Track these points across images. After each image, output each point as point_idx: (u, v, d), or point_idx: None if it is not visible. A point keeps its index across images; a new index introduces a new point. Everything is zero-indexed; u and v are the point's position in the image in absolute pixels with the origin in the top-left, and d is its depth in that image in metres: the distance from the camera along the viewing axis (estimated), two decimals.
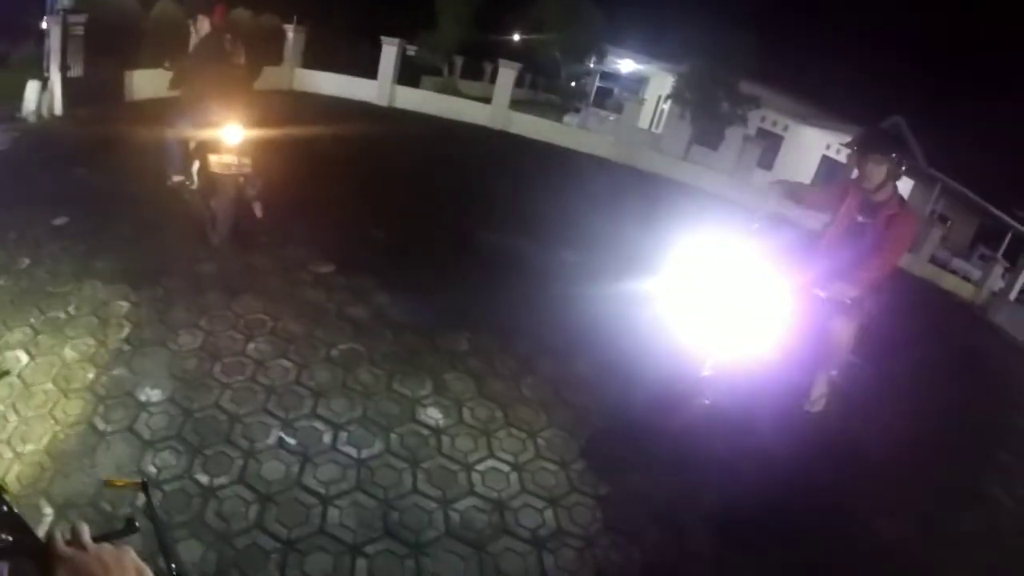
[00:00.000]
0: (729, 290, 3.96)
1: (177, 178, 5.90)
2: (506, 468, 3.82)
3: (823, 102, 23.92)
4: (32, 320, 4.32)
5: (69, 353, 4.08)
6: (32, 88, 9.76)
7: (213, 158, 5.36)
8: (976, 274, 19.20)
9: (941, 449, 5.66)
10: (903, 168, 4.03)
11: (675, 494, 3.91)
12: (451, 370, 4.61)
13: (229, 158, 5.37)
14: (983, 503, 5.08)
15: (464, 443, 3.95)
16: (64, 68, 10.12)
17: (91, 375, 3.93)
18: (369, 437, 3.81)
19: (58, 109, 10.10)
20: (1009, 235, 22.36)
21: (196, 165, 5.72)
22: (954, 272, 19.07)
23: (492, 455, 3.90)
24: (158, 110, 10.72)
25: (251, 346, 4.38)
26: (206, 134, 5.52)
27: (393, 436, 3.86)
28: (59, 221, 5.80)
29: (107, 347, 4.19)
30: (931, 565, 4.10)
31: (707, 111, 21.84)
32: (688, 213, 12.71)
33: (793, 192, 4.91)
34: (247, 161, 5.43)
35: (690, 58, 21.70)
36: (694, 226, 4.38)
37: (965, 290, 17.61)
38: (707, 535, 3.71)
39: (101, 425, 3.59)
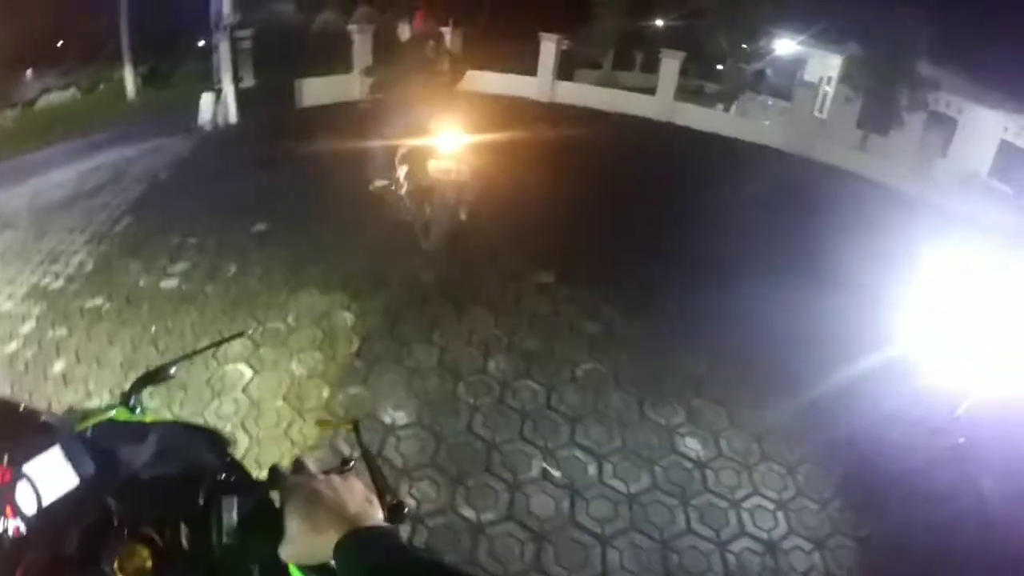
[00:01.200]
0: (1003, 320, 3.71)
1: (380, 183, 5.82)
2: (771, 506, 3.51)
3: (1004, 81, 21.62)
4: (250, 332, 4.27)
5: (297, 368, 3.99)
6: (207, 100, 10.30)
7: (432, 164, 5.19)
8: None
9: None
10: None
11: (929, 536, 3.53)
12: (698, 396, 4.21)
13: (447, 164, 5.20)
14: None
15: (728, 478, 3.62)
16: (236, 80, 10.66)
17: (325, 393, 3.82)
18: (634, 470, 3.52)
19: (233, 118, 10.60)
20: None
21: (403, 170, 5.60)
22: None
23: (756, 492, 3.57)
24: (331, 116, 11.06)
25: (491, 364, 4.15)
26: (418, 140, 5.39)
27: (658, 469, 3.56)
28: (259, 227, 5.84)
29: (337, 362, 4.07)
30: None
31: (881, 95, 20.23)
32: (896, 221, 11.48)
33: None
34: (464, 168, 5.24)
35: (862, 38, 20.22)
36: (923, 242, 4.37)
37: None
38: None
39: (346, 450, 3.39)
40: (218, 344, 3.77)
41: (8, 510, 0.87)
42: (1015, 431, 3.81)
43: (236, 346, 4.08)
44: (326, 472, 0.91)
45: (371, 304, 4.66)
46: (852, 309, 5.14)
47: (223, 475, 1.03)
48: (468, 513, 3.09)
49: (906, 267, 3.93)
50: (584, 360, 4.34)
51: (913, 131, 18.27)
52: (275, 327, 4.34)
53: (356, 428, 1.23)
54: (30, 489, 0.87)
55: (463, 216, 5.51)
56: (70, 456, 0.91)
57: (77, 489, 0.90)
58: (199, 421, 3.39)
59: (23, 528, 0.87)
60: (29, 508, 0.87)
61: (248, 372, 3.89)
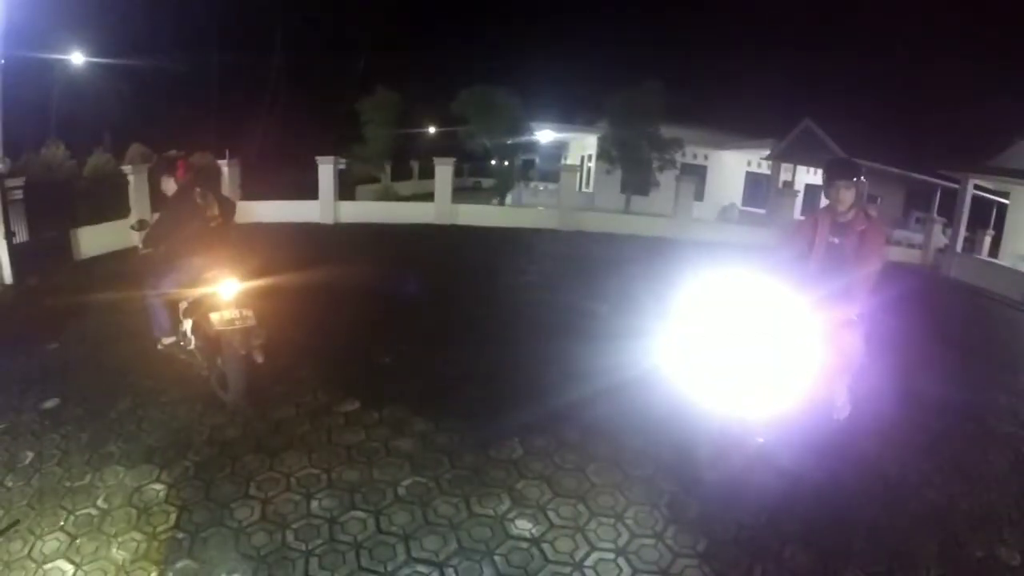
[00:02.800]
0: (753, 327, 4.09)
1: (168, 340, 5.66)
2: (611, 556, 3.77)
3: (736, 125, 25.16)
4: (62, 523, 3.94)
5: (118, 554, 3.73)
6: None
7: (214, 316, 5.13)
8: (918, 238, 20.13)
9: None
10: (865, 188, 4.40)
11: (760, 529, 4.06)
12: (519, 478, 4.48)
13: (231, 313, 5.15)
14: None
15: (564, 545, 3.83)
16: (8, 235, 9.88)
17: (154, 574, 3.62)
18: (476, 567, 3.62)
19: (8, 278, 9.80)
20: (938, 194, 23.62)
21: (188, 325, 5.50)
22: (898, 243, 19.87)
23: (594, 548, 3.82)
24: (112, 267, 10.50)
25: (315, 504, 4.12)
26: (198, 292, 5.34)
27: (498, 559, 3.69)
28: (50, 404, 5.46)
29: (159, 539, 3.86)
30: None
31: (634, 162, 22.60)
32: (657, 263, 13.04)
33: (785, 239, 5.28)
34: (249, 313, 5.23)
35: (608, 117, 22.56)
36: (678, 275, 4.71)
37: (913, 256, 18.40)
38: (806, 555, 3.86)
39: None
40: None
41: None
42: (800, 422, 4.38)
43: (51, 542, 3.75)
44: None
45: (181, 470, 4.46)
46: (641, 351, 5.74)
47: None
48: None
49: (674, 300, 4.43)
50: (405, 477, 4.44)
51: (669, 185, 20.67)
52: (87, 513, 4.01)
53: None
54: None
55: (259, 360, 5.47)
56: None
57: None
58: None
59: None
60: None
61: (69, 568, 3.56)
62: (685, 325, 4.27)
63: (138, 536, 3.85)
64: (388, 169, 26.99)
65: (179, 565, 3.63)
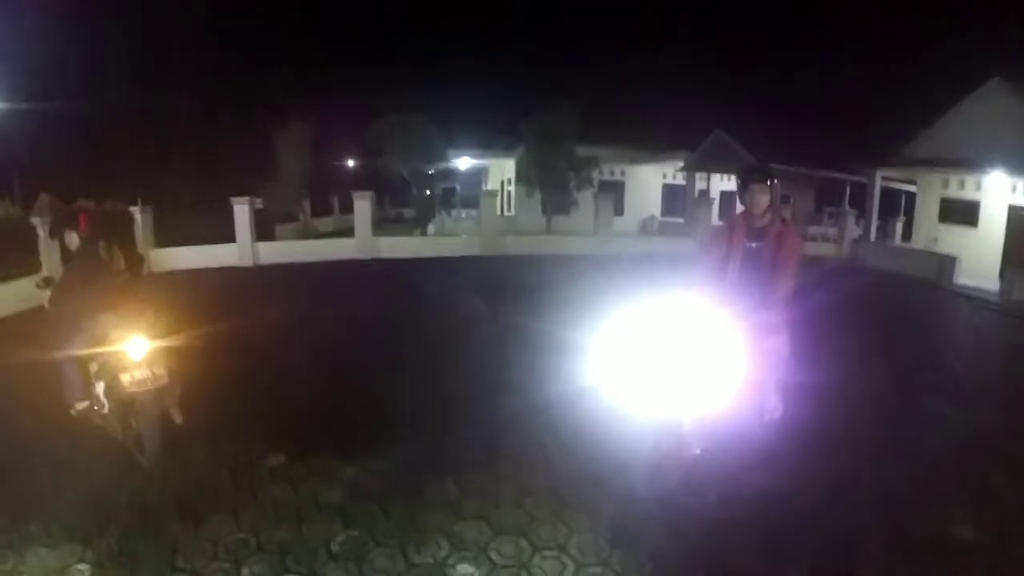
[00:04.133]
0: (679, 340, 4.21)
1: (81, 405, 5.34)
2: None
3: (650, 140, 25.84)
4: None
5: None
6: None
7: (125, 377, 4.88)
8: (833, 232, 21.10)
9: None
10: (778, 190, 4.67)
11: (706, 540, 4.10)
12: (456, 520, 4.38)
13: (141, 373, 4.91)
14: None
15: None
16: None
17: None
18: None
19: None
20: (847, 189, 24.90)
21: (101, 387, 5.22)
22: (814, 239, 20.74)
23: None
24: (24, 328, 9.88)
25: (245, 571, 3.91)
26: (107, 352, 5.06)
27: None
28: None
29: None
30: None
31: (552, 183, 22.93)
32: (581, 281, 13.17)
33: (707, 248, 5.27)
34: (161, 371, 5.00)
35: (525, 142, 22.85)
36: (603, 292, 4.58)
37: (829, 249, 19.24)
38: (754, 561, 3.91)
39: None
40: None
41: None
42: (735, 427, 4.52)
43: None
44: None
45: (104, 546, 4.18)
46: (571, 373, 5.71)
47: None
48: None
49: (603, 321, 4.45)
50: (337, 532, 4.28)
51: (588, 203, 21.08)
52: None
53: None
54: None
55: (178, 419, 5.28)
56: None
57: None
58: None
59: None
60: None
61: None
62: (613, 346, 4.33)
63: None
64: (307, 206, 26.53)
65: None
